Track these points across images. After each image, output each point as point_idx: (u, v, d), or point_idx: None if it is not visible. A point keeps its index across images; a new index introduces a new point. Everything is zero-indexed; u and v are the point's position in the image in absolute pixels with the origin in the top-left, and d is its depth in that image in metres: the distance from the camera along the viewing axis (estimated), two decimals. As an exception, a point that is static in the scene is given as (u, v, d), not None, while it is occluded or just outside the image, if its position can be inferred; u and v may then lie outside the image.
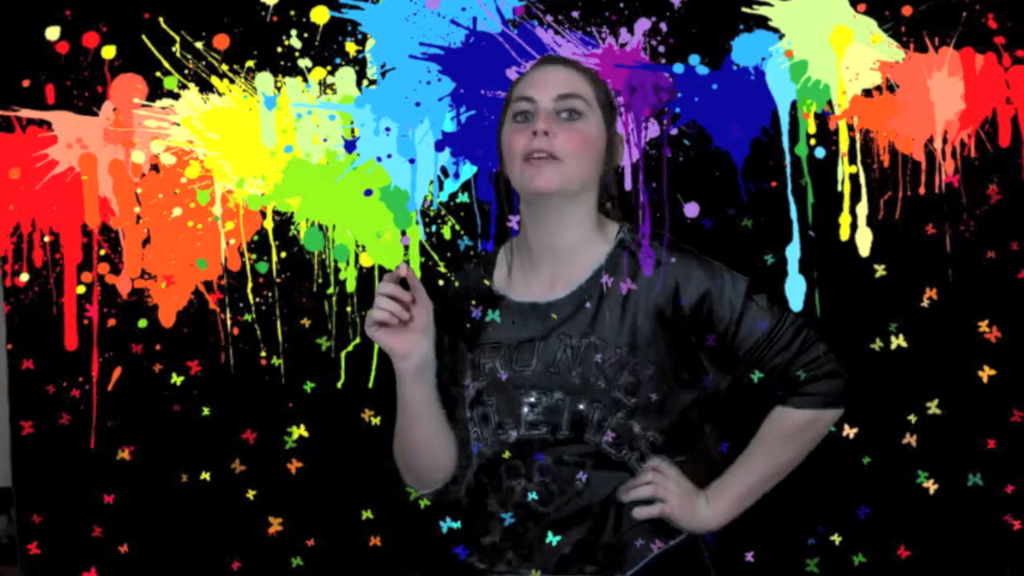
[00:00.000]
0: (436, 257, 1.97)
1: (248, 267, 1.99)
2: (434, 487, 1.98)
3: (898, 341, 1.99)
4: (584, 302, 1.89)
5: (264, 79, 1.94)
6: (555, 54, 1.96)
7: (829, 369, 1.91)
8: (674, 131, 1.92)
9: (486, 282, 1.98)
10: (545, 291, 1.93)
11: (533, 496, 1.88)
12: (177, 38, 1.94)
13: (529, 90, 1.89)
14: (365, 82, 1.97)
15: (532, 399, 1.89)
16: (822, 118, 1.85)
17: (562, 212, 1.91)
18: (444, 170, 1.98)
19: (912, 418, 2.05)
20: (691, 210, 1.86)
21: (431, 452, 1.96)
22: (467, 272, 2.01)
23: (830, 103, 1.86)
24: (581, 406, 1.87)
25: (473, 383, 1.93)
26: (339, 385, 1.98)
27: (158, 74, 1.95)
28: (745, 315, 1.88)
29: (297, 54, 1.94)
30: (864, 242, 1.84)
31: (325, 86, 1.97)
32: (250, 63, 1.96)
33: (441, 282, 1.96)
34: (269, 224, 1.98)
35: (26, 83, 2.00)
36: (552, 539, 1.87)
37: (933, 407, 2.05)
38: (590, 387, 1.87)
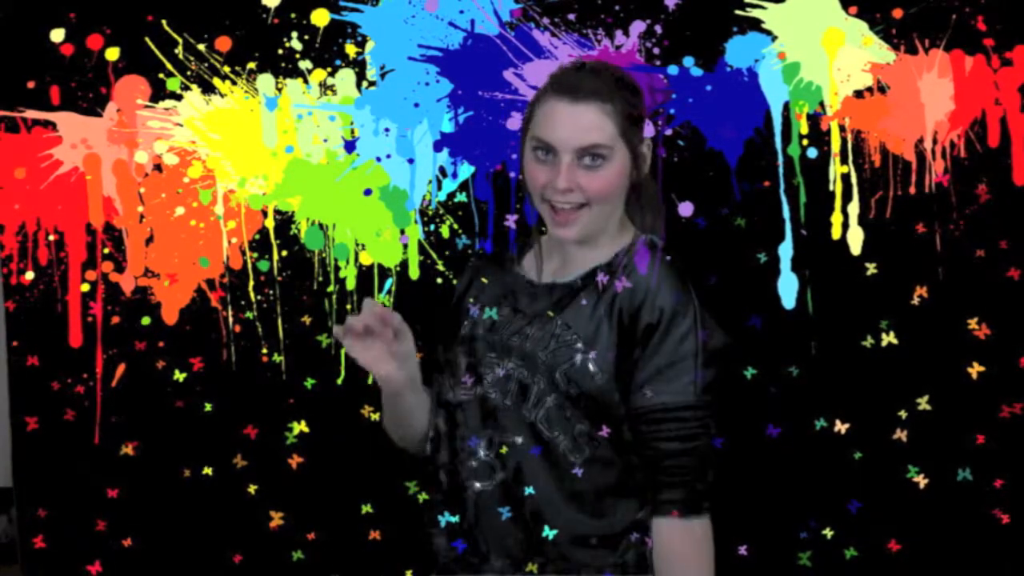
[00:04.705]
0: (435, 256, 1.99)
1: (249, 265, 2.00)
2: (423, 446, 2.01)
3: (889, 338, 2.00)
4: (578, 291, 1.92)
5: (265, 80, 1.95)
6: (571, 73, 1.88)
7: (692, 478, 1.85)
8: (669, 132, 1.92)
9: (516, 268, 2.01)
10: (549, 274, 1.97)
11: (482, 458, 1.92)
12: (180, 40, 1.95)
13: (550, 134, 1.84)
14: (365, 83, 1.97)
15: (498, 362, 1.93)
16: (814, 119, 1.86)
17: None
18: (442, 170, 1.99)
19: (903, 414, 2.05)
20: (685, 209, 1.86)
21: (416, 424, 2.01)
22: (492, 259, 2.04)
23: (822, 104, 1.86)
24: (526, 378, 1.90)
25: (476, 330, 1.97)
26: (339, 382, 1.99)
27: (161, 76, 1.95)
28: (679, 365, 1.85)
29: (298, 56, 1.95)
30: (855, 241, 1.85)
31: (325, 87, 1.98)
32: (251, 65, 1.97)
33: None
34: (270, 223, 2.00)
35: (31, 84, 2.00)
36: (549, 533, 1.89)
37: (923, 403, 2.06)
38: (540, 363, 1.89)
